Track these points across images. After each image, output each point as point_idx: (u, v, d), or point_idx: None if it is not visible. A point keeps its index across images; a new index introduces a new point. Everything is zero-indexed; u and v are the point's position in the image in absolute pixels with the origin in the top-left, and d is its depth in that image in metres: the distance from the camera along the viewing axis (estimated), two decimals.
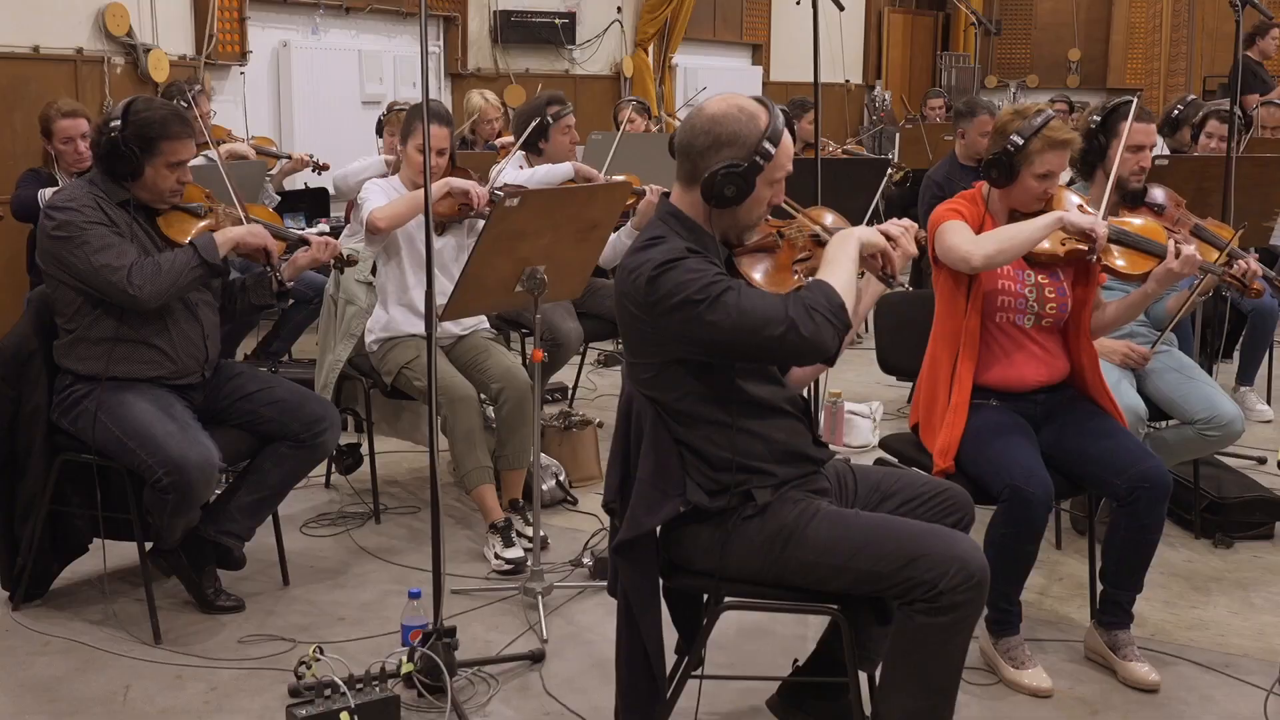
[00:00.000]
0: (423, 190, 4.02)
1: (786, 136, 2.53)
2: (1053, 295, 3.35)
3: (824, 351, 2.47)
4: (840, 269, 2.53)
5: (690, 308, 2.41)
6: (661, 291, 2.42)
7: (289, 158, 6.41)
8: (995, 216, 3.42)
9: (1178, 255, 3.29)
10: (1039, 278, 3.36)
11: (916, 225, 2.75)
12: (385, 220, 4.03)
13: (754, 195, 2.52)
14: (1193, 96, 6.10)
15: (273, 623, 3.61)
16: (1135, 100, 3.73)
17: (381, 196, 4.13)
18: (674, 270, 2.43)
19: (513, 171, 4.81)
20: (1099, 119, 3.70)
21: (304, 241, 3.71)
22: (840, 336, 2.48)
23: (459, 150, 5.14)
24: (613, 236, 4.84)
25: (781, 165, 2.54)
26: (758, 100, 2.55)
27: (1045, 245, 3.34)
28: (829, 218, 2.81)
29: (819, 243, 2.71)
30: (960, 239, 3.28)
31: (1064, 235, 3.34)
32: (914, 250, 2.71)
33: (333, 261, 3.79)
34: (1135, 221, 3.52)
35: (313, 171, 6.47)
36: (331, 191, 6.38)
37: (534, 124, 4.82)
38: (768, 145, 2.48)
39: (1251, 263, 3.54)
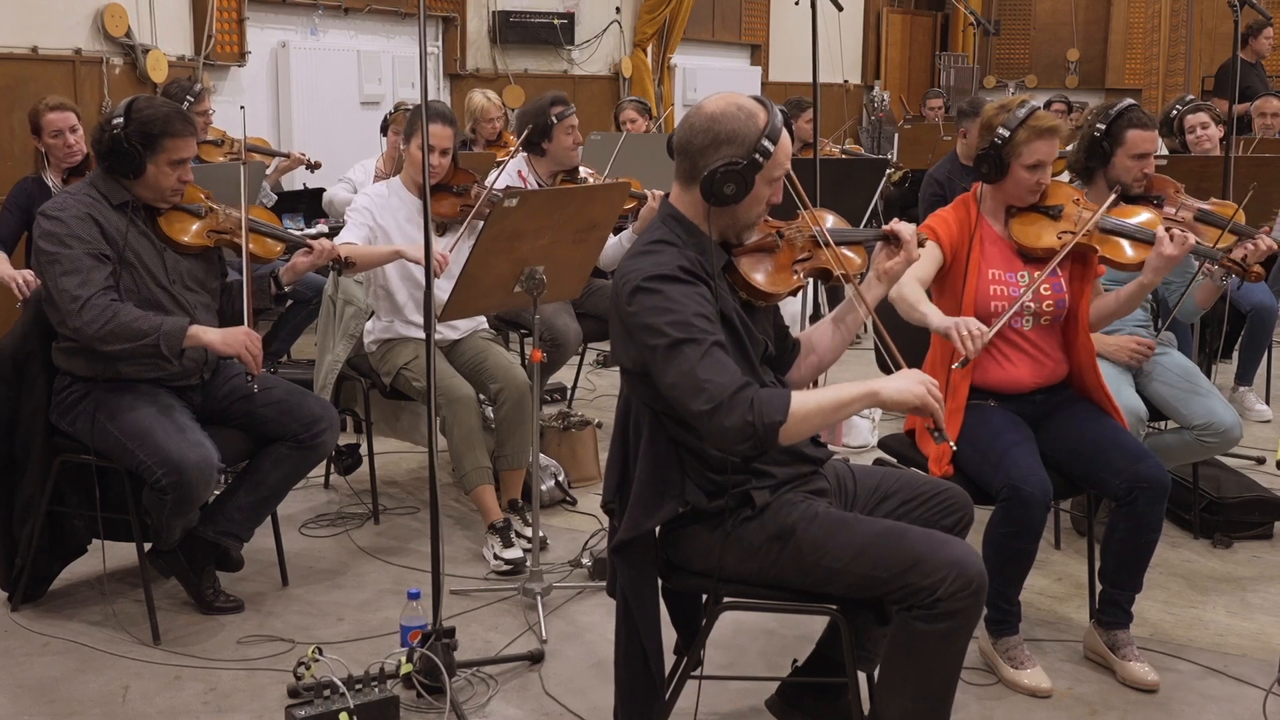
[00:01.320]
0: (389, 249, 4.07)
1: (785, 135, 2.53)
2: (1049, 292, 3.34)
3: (726, 446, 2.38)
4: (825, 397, 2.40)
5: (649, 336, 2.40)
6: (636, 307, 2.42)
7: (286, 156, 6.42)
8: (990, 217, 3.42)
9: (1170, 239, 3.28)
10: (1034, 275, 3.36)
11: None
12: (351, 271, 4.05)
13: (753, 194, 2.52)
14: (1191, 96, 6.10)
15: (272, 623, 3.61)
16: (1137, 106, 3.74)
17: (360, 227, 4.15)
18: (656, 295, 2.40)
19: (508, 177, 4.81)
20: (1103, 127, 3.69)
21: (302, 245, 3.70)
22: (756, 450, 2.37)
23: (459, 150, 5.14)
24: (614, 239, 4.85)
25: (780, 164, 2.53)
26: (756, 99, 2.55)
27: (1041, 241, 3.34)
28: (829, 219, 2.81)
29: (818, 244, 2.71)
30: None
31: (1060, 228, 3.34)
32: (917, 256, 2.75)
33: (331, 264, 3.79)
34: (1145, 216, 3.51)
35: (306, 169, 6.48)
36: (329, 194, 6.38)
37: (536, 125, 4.82)
38: (767, 143, 2.48)
39: (1262, 240, 3.55)
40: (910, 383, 2.40)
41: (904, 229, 2.76)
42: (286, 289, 3.73)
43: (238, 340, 3.42)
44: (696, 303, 2.42)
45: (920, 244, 2.78)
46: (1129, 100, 3.79)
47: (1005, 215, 3.41)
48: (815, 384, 4.05)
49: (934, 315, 3.15)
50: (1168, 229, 3.32)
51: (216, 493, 3.62)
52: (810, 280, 2.83)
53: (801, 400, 2.37)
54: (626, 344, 2.49)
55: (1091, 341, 3.43)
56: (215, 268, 3.70)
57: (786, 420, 2.34)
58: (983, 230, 3.39)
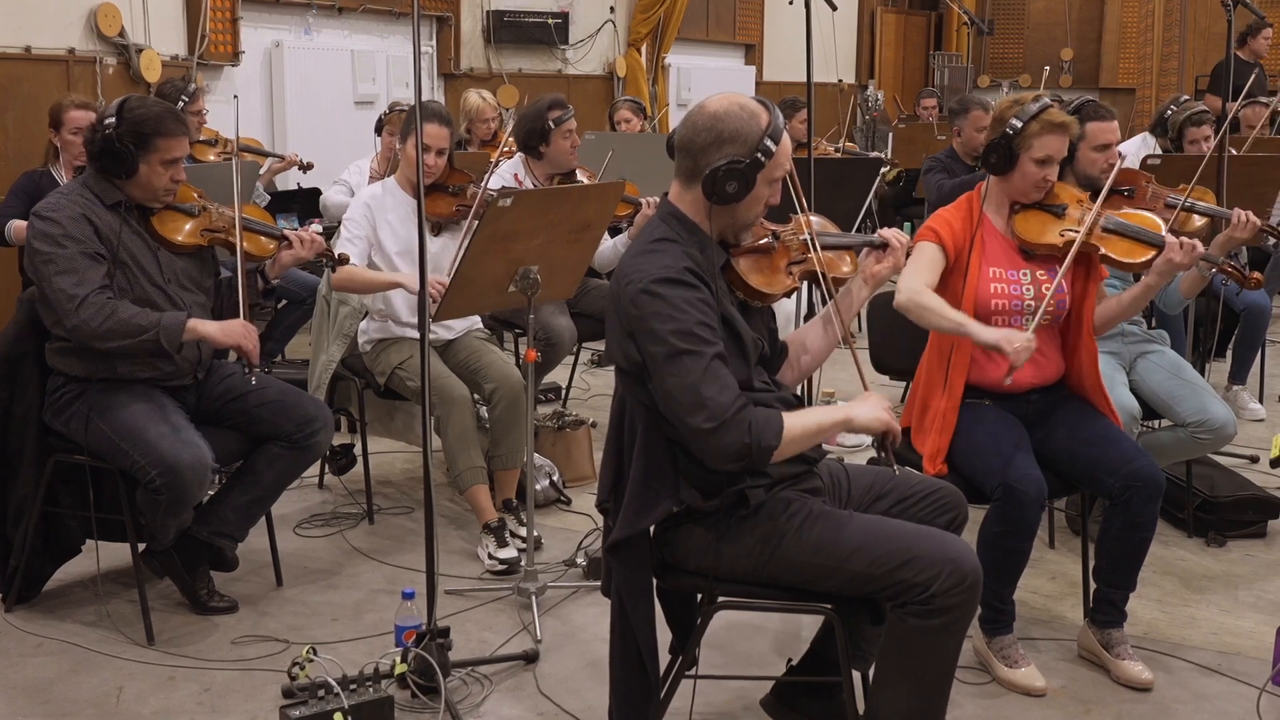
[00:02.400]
0: (388, 279, 4.09)
1: (786, 136, 2.55)
2: (1049, 292, 3.34)
3: (717, 464, 2.42)
4: (809, 421, 2.48)
5: (650, 342, 2.41)
6: (641, 311, 2.42)
7: (280, 158, 6.43)
8: (993, 214, 3.42)
9: (1180, 247, 3.29)
10: (1037, 273, 3.36)
11: (909, 238, 2.84)
12: (338, 287, 4.19)
13: (753, 193, 2.52)
14: (1186, 97, 6.10)
15: (266, 623, 3.61)
16: (1094, 101, 3.77)
17: (357, 241, 4.17)
18: (659, 300, 2.40)
19: (501, 178, 4.80)
20: None
21: (287, 238, 3.69)
22: (745, 470, 2.45)
23: (454, 150, 5.13)
24: (609, 242, 4.85)
25: (780, 164, 2.55)
26: (757, 100, 2.56)
27: (1045, 238, 3.34)
28: (815, 222, 2.83)
29: (811, 248, 2.73)
30: (909, 270, 3.28)
31: (1063, 226, 3.35)
32: (904, 263, 2.82)
33: (324, 260, 3.78)
34: (1148, 217, 3.51)
35: (300, 170, 6.48)
36: (325, 196, 6.36)
37: (533, 129, 4.82)
38: (769, 143, 2.49)
39: (1244, 216, 3.59)
40: (878, 410, 2.54)
41: (894, 238, 2.79)
42: (274, 282, 3.72)
43: (236, 332, 3.42)
44: (700, 310, 2.42)
45: (907, 254, 2.82)
46: (1086, 97, 3.82)
47: (1008, 213, 3.42)
48: (811, 378, 4.08)
49: (973, 325, 3.17)
50: (1176, 236, 3.32)
51: (211, 493, 3.61)
52: (804, 282, 2.84)
53: (790, 423, 2.44)
54: (624, 343, 2.49)
55: (1094, 343, 3.43)
56: (210, 266, 3.69)
57: (780, 445, 2.41)
58: (985, 227, 3.39)
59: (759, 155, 2.48)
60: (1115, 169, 3.60)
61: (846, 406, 2.56)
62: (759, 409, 2.43)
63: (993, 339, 3.11)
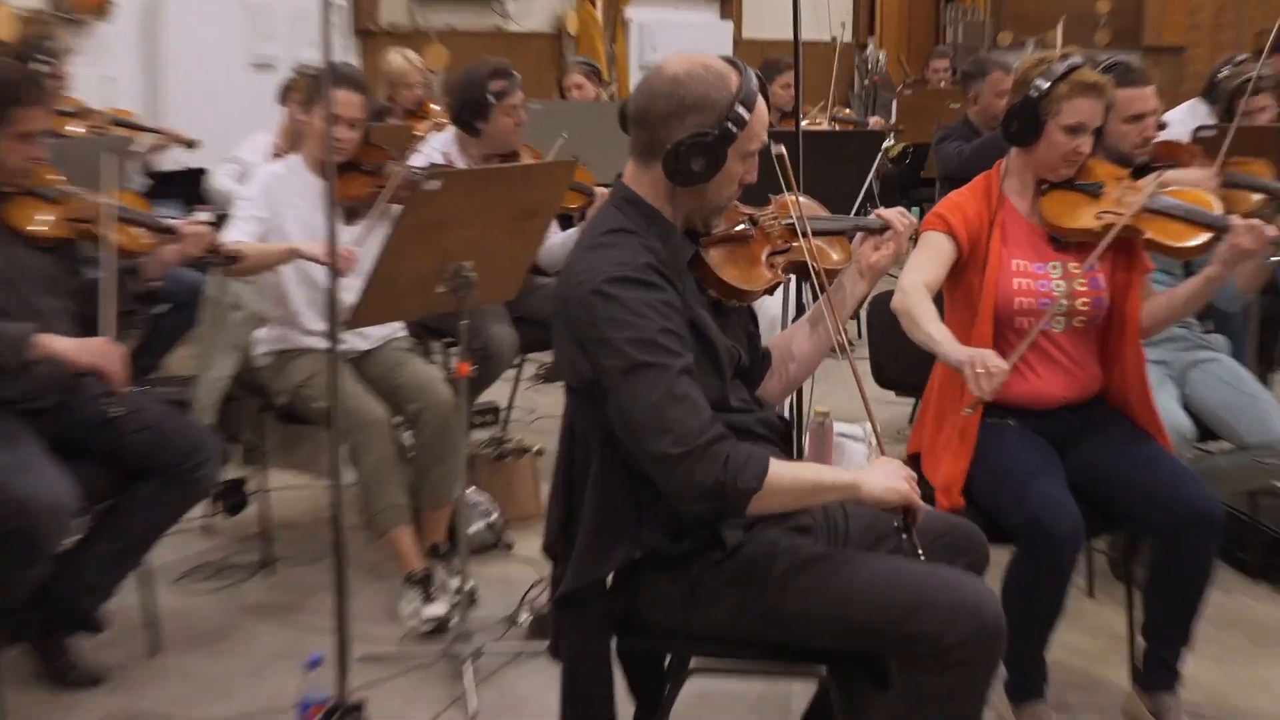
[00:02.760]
0: (283, 248, 4.07)
1: (761, 102, 2.54)
2: (1084, 287, 3.34)
3: (684, 501, 2.40)
4: (804, 475, 2.48)
5: (604, 354, 2.40)
6: (592, 316, 2.41)
7: (160, 133, 6.38)
8: (1015, 196, 3.43)
9: (1248, 229, 3.27)
10: (1069, 265, 3.36)
11: (914, 219, 2.85)
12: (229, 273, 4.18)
13: (724, 171, 2.52)
14: (1243, 57, 6.16)
15: (140, 699, 3.58)
16: (1125, 63, 3.78)
17: (249, 221, 4.16)
18: (614, 303, 2.40)
19: (427, 157, 4.78)
20: None
21: (171, 231, 3.68)
22: (716, 513, 2.44)
23: (374, 121, 5.11)
24: (560, 236, 4.85)
25: (756, 134, 2.54)
26: (726, 59, 2.55)
27: (1078, 222, 3.34)
28: (803, 202, 2.83)
29: (797, 234, 2.73)
30: (910, 265, 3.31)
31: (1099, 208, 3.35)
32: (905, 249, 2.84)
33: (211, 256, 3.76)
34: (1185, 189, 3.52)
35: (183, 148, 6.45)
36: (209, 179, 6.33)
37: (470, 101, 4.80)
38: (741, 110, 2.48)
39: None
40: (894, 480, 2.50)
41: (896, 218, 2.80)
42: (154, 284, 3.70)
43: (93, 349, 3.39)
44: (663, 314, 2.42)
45: (912, 239, 2.82)
46: (1116, 58, 3.82)
47: (1034, 194, 3.42)
48: (801, 393, 4.07)
49: (947, 343, 3.12)
50: (1240, 218, 3.32)
51: (73, 539, 3.57)
52: (791, 276, 2.84)
53: (778, 471, 2.41)
54: (574, 355, 2.48)
55: (1141, 349, 3.44)
56: (74, 265, 3.68)
57: (761, 489, 2.38)
58: (1006, 212, 3.40)
59: (729, 125, 2.48)
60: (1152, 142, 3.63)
61: (857, 471, 2.53)
62: (741, 444, 2.42)
63: (956, 361, 3.04)
